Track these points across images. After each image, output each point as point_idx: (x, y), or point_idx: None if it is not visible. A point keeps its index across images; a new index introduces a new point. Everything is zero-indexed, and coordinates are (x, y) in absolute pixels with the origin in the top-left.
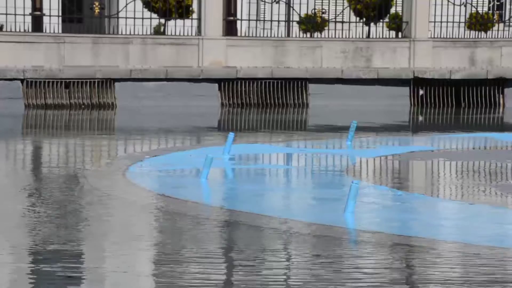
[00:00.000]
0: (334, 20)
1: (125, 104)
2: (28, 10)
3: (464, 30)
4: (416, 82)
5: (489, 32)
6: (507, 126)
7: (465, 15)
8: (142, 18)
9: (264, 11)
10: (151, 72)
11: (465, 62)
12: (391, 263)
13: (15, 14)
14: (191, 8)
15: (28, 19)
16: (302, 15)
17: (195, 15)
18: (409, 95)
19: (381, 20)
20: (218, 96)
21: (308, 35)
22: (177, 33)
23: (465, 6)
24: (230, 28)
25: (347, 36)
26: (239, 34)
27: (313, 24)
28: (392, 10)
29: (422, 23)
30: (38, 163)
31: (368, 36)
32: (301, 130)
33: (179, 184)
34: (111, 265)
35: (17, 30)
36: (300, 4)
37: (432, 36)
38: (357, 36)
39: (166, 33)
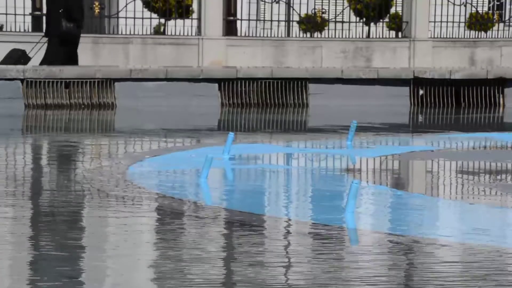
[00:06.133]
0: (334, 20)
1: (125, 104)
2: (28, 10)
3: (464, 30)
4: (416, 82)
5: (489, 32)
6: (507, 126)
7: (465, 15)
8: (142, 18)
9: (264, 11)
10: (151, 72)
11: (465, 62)
12: (391, 263)
13: (15, 14)
14: (191, 8)
15: (28, 19)
16: (302, 15)
17: (195, 15)
18: (409, 95)
19: (381, 20)
20: (218, 96)
21: (308, 35)
22: (177, 33)
23: (465, 6)
24: (230, 28)
25: (347, 36)
26: (239, 34)
27: (313, 24)
28: (392, 10)
29: (422, 23)
30: (37, 163)
31: (368, 36)
32: (301, 130)
33: (179, 184)
34: (110, 265)
35: (17, 30)
36: (300, 4)
37: (432, 36)
38: (357, 36)
39: (166, 33)
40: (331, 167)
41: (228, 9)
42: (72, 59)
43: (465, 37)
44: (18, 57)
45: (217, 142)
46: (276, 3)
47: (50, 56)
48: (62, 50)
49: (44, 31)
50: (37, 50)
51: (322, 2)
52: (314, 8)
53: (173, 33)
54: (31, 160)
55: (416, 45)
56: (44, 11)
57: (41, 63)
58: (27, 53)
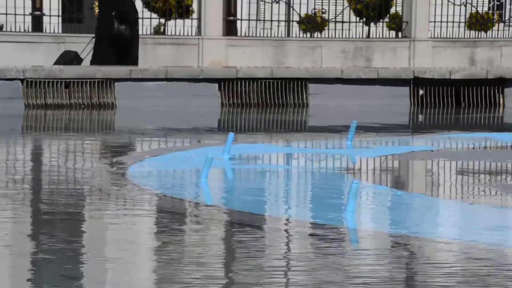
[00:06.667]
0: (334, 20)
1: (125, 104)
2: (28, 10)
3: (464, 30)
4: (416, 82)
5: (489, 32)
6: (507, 126)
7: (465, 15)
8: (142, 18)
9: (264, 11)
10: (151, 72)
11: (465, 62)
12: (391, 263)
13: (15, 14)
14: (191, 8)
15: (28, 19)
16: (302, 15)
17: (195, 15)
18: (409, 95)
19: (381, 20)
20: (218, 96)
21: (308, 35)
22: (177, 33)
23: (465, 6)
24: (230, 28)
25: (347, 36)
26: (239, 34)
27: (313, 24)
28: (392, 10)
29: (422, 23)
30: (37, 163)
31: (368, 36)
32: (301, 130)
33: (179, 184)
34: (110, 265)
35: (17, 30)
36: (300, 4)
37: (432, 36)
38: (357, 36)
39: (166, 33)
40: (331, 167)
41: (228, 9)
42: (128, 61)
43: (465, 37)
44: (71, 58)
45: (217, 142)
46: (276, 3)
47: (98, 57)
48: (112, 52)
49: (95, 32)
50: (88, 51)
51: (322, 2)
52: (314, 8)
53: (173, 33)
54: (31, 160)
55: (416, 45)
56: (45, 11)
57: (91, 64)
58: (79, 54)
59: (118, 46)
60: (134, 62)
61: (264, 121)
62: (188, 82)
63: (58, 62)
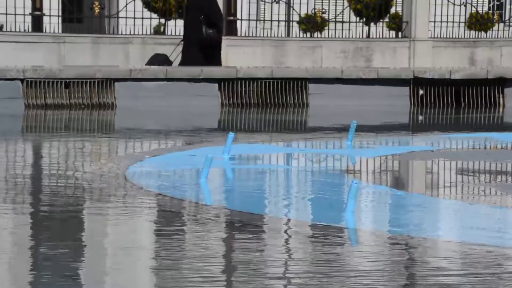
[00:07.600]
0: (334, 20)
1: (125, 104)
2: (28, 10)
3: (464, 30)
4: (416, 82)
5: (489, 32)
6: (507, 126)
7: (465, 15)
8: (142, 18)
9: (264, 11)
10: (151, 72)
11: (465, 62)
12: (390, 263)
13: (15, 14)
14: None
15: (28, 19)
16: (302, 15)
17: None
18: (409, 95)
19: (381, 20)
20: (218, 96)
21: (308, 35)
22: (177, 33)
23: (465, 6)
24: (230, 28)
25: (347, 36)
26: (239, 34)
27: (313, 24)
28: (392, 10)
29: (422, 23)
30: (37, 163)
31: (368, 36)
32: (301, 130)
33: (179, 184)
34: (110, 265)
35: (17, 30)
36: (300, 4)
37: (432, 36)
38: (357, 36)
39: (166, 33)
40: (331, 167)
41: (228, 9)
42: (213, 62)
43: (465, 37)
44: (161, 62)
45: (217, 142)
46: (276, 3)
47: (186, 60)
48: (201, 54)
49: (182, 35)
50: (176, 54)
51: (322, 2)
52: (314, 8)
53: (173, 33)
54: (31, 160)
55: (416, 45)
56: (45, 11)
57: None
58: (169, 57)
59: (205, 48)
60: (219, 62)
61: (264, 121)
62: (188, 82)
63: (149, 65)
